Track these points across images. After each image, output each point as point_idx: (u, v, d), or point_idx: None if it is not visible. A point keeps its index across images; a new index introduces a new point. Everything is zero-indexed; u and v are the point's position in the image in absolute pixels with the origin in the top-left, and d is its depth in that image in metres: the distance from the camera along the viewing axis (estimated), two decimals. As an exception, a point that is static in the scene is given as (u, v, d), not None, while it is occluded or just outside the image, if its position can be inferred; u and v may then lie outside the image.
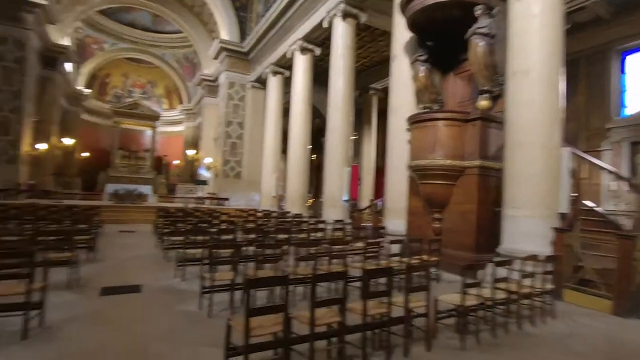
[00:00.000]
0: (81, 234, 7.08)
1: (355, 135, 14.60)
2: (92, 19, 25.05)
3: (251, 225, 10.00)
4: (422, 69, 7.03)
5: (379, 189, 22.16)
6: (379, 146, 22.12)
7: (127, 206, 14.69)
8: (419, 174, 6.41)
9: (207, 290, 4.05)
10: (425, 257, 5.20)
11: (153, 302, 4.47)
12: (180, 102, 31.68)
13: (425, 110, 6.75)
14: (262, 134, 19.48)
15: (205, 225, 8.48)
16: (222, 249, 4.34)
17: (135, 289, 4.93)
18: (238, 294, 4.26)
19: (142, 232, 11.40)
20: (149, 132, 30.05)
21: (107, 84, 30.89)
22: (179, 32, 28.18)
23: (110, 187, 15.85)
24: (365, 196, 18.18)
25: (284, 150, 17.99)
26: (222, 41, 18.05)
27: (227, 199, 18.46)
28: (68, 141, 20.21)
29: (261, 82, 18.96)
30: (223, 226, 7.98)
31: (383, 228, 7.10)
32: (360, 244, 5.37)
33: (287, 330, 2.37)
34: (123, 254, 7.59)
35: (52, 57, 18.48)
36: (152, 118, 27.87)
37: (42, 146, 15.94)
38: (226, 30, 18.49)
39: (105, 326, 3.60)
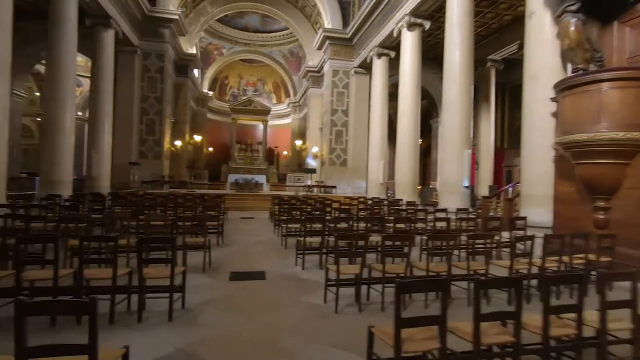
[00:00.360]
0: (211, 220, 7.75)
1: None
2: (212, 27, 27.79)
3: (363, 213, 9.75)
4: (573, 22, 5.62)
5: (499, 173, 19.79)
6: (498, 125, 19.70)
7: (246, 194, 15.94)
8: (574, 152, 5.14)
9: (332, 283, 3.83)
10: (591, 256, 4.12)
11: (278, 290, 4.48)
12: (287, 96, 33.24)
13: (581, 72, 5.38)
14: (366, 121, 19.08)
15: (318, 212, 8.50)
16: (343, 239, 4.05)
17: (260, 275, 5.05)
18: (364, 289, 3.96)
19: (260, 219, 12.14)
20: (261, 126, 32.38)
21: (226, 85, 34.18)
22: (285, 28, 29.45)
23: (231, 177, 17.45)
24: (484, 182, 16.33)
25: (390, 135, 17.33)
26: (325, 30, 18.06)
27: (334, 187, 18.63)
28: (197, 138, 22.82)
29: (365, 67, 18.47)
30: (336, 213, 7.84)
31: (522, 219, 6.00)
32: (502, 237, 4.54)
33: (444, 347, 1.91)
34: (246, 240, 8.07)
35: (183, 65, 21.06)
36: (264, 112, 29.81)
37: (178, 143, 18.32)
38: (329, 18, 18.43)
39: (237, 313, 3.67)
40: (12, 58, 14.96)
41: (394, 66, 16.09)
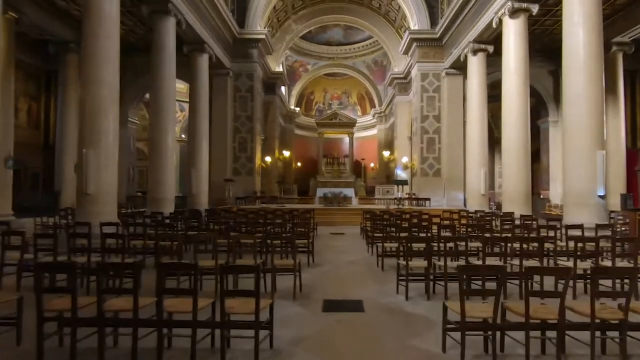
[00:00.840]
0: (301, 238, 7.37)
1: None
2: (297, 45, 28.72)
3: (469, 229, 8.45)
4: None
5: (632, 179, 16.15)
6: (628, 121, 16.22)
7: (335, 209, 15.51)
8: None
9: (453, 327, 2.93)
10: None
11: (379, 326, 3.72)
12: (372, 107, 32.56)
13: None
14: (461, 125, 17.35)
15: (416, 229, 7.53)
16: (468, 271, 3.12)
17: (357, 305, 4.34)
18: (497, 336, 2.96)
19: (351, 235, 11.50)
20: (347, 139, 32.17)
21: (312, 101, 34.95)
22: (368, 38, 29.08)
23: (320, 191, 17.27)
24: (614, 189, 13.35)
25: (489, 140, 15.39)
26: (411, 32, 17.04)
27: (427, 199, 17.18)
28: (286, 153, 23.40)
29: (457, 68, 16.86)
30: (438, 229, 6.77)
31: None
32: None
33: None
34: (337, 259, 7.47)
35: (271, 83, 21.91)
36: (350, 125, 29.55)
37: (268, 159, 18.90)
38: (415, 20, 17.38)
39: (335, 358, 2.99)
40: (126, 89, 17.14)
41: (492, 63, 14.35)
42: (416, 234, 7.09)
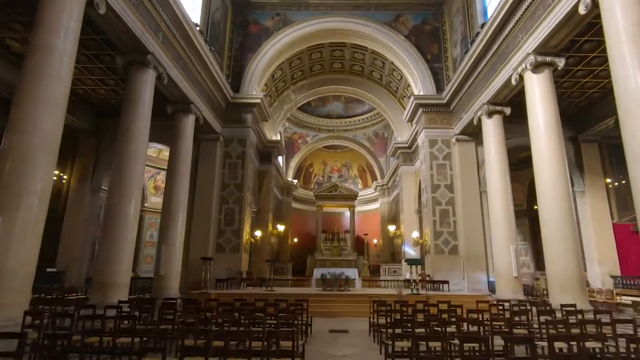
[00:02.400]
0: (286, 339, 4.92)
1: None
2: (296, 117, 28.28)
3: (520, 329, 5.91)
4: None
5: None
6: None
7: (335, 294, 12.73)
8: None
9: None
10: None
11: None
12: (374, 179, 31.15)
13: None
14: (477, 196, 15.46)
15: (445, 332, 5.02)
16: None
17: None
18: None
19: (357, 333, 8.73)
20: (347, 213, 30.17)
21: (311, 173, 33.68)
22: (368, 111, 28.82)
23: (317, 272, 14.63)
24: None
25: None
26: (416, 97, 16.01)
27: (445, 283, 14.46)
28: (281, 228, 21.09)
29: (469, 134, 15.52)
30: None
31: None
32: None
33: None
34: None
35: (267, 152, 20.55)
36: (351, 197, 27.73)
37: (258, 234, 16.57)
38: (420, 86, 16.54)
39: None
40: (102, 155, 15.58)
41: (508, 129, 12.92)
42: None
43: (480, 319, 6.91)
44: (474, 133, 15.47)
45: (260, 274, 16.27)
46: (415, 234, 17.51)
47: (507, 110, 12.75)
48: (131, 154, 9.08)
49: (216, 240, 14.47)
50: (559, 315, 7.71)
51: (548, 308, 7.79)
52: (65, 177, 13.93)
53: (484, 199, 15.62)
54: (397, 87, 20.51)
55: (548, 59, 9.83)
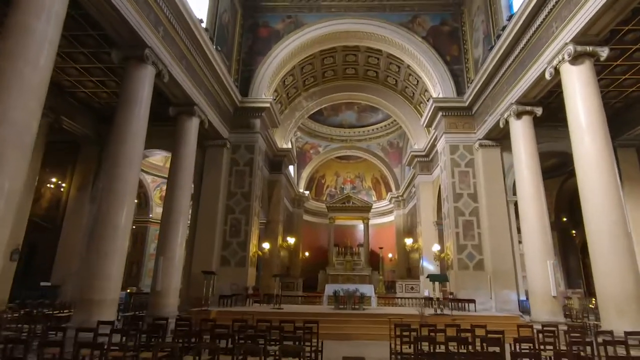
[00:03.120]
0: None
1: None
2: (308, 127, 27.50)
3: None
4: None
5: None
6: None
7: (349, 314, 11.49)
8: None
9: None
10: None
11: None
12: (389, 191, 29.92)
13: None
14: (504, 205, 14.20)
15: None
16: None
17: None
18: None
19: (375, 361, 7.51)
20: (361, 226, 28.96)
21: (323, 185, 32.66)
22: (382, 120, 27.87)
23: (329, 288, 13.43)
24: None
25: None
26: (436, 100, 14.96)
27: (472, 301, 13.08)
28: (291, 240, 20.02)
29: (493, 139, 14.35)
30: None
31: None
32: None
33: None
34: None
35: (277, 161, 19.70)
36: (365, 209, 26.55)
37: (266, 246, 15.52)
38: (439, 90, 15.51)
39: None
40: (101, 163, 14.91)
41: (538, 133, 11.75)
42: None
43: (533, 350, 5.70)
44: (498, 138, 14.30)
45: (268, 290, 15.15)
46: (436, 248, 16.19)
47: (538, 111, 11.59)
48: (124, 157, 8.24)
49: (221, 253, 13.48)
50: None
51: (609, 337, 6.44)
52: (64, 185, 13.25)
53: (511, 209, 14.37)
54: (413, 93, 19.52)
55: (589, 48, 8.72)
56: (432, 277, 12.33)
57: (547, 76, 9.73)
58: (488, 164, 14.45)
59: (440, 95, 15.29)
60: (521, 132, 11.73)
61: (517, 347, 5.93)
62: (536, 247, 10.95)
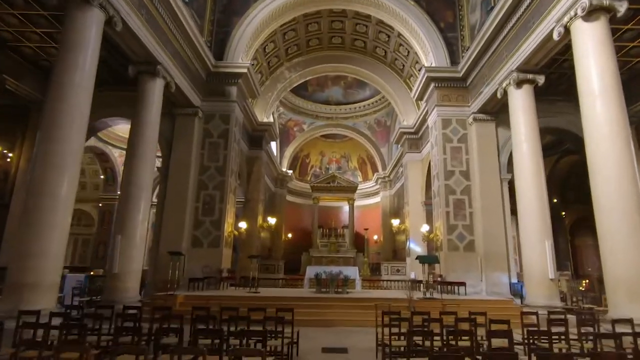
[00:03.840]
0: None
1: None
2: (291, 102, 26.08)
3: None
4: None
5: None
6: None
7: (331, 298, 10.55)
8: None
9: None
10: None
11: None
12: (375, 171, 29.00)
13: None
14: (498, 184, 13.38)
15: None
16: None
17: None
18: None
19: (360, 352, 6.58)
20: (346, 207, 28.06)
21: (307, 164, 31.46)
22: (370, 97, 26.62)
23: (310, 270, 12.43)
24: None
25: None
26: (428, 69, 13.82)
27: (462, 284, 12.34)
28: (272, 221, 18.93)
29: (489, 112, 13.40)
30: None
31: None
32: None
33: None
34: None
35: (257, 136, 18.41)
36: (350, 190, 25.57)
37: (243, 225, 14.38)
38: (431, 59, 14.34)
39: None
40: None
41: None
42: None
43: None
44: (494, 112, 13.36)
45: (246, 272, 14.09)
46: (425, 228, 15.36)
47: (540, 79, 10.60)
48: (65, 115, 6.87)
49: (192, 233, 12.29)
50: None
51: (628, 327, 5.61)
52: (10, 155, 11.70)
53: (504, 187, 13.58)
54: (404, 65, 18.32)
55: (606, 2, 7.67)
56: (422, 259, 11.47)
57: (555, 36, 8.67)
58: (482, 139, 13.53)
59: (433, 65, 14.14)
60: (521, 103, 10.76)
61: (527, 338, 5.05)
62: (534, 227, 10.16)
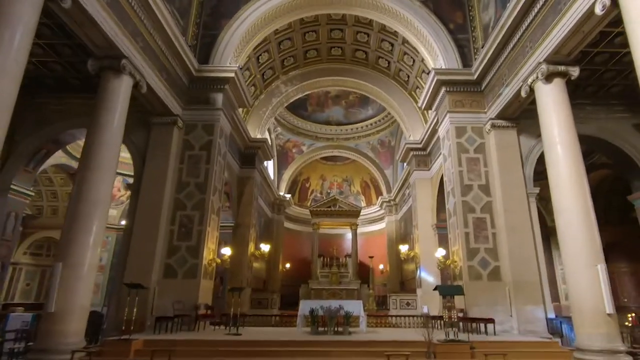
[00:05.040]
0: None
1: None
2: (290, 122, 24.77)
3: None
4: None
5: None
6: None
7: (331, 343, 8.39)
8: None
9: None
10: None
11: None
12: (380, 194, 27.16)
13: None
14: (524, 198, 11.51)
15: None
16: None
17: None
18: None
19: None
20: (348, 235, 26.00)
21: (307, 189, 29.72)
22: (372, 117, 25.26)
23: (305, 306, 10.24)
24: None
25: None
26: (438, 71, 12.31)
27: (490, 321, 10.16)
28: (265, 248, 16.92)
29: (509, 118, 11.76)
30: None
31: None
32: None
33: None
34: None
35: (250, 153, 16.84)
36: (353, 214, 23.62)
37: (227, 252, 12.39)
38: (441, 63, 12.89)
39: None
40: (19, 142, 11.81)
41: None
42: None
43: None
44: (514, 117, 11.73)
45: (235, 308, 11.94)
46: (442, 253, 13.28)
47: (574, 72, 8.97)
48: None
49: (165, 261, 10.33)
50: None
51: None
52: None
53: (532, 203, 11.68)
54: (408, 77, 16.95)
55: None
56: (443, 290, 9.36)
57: (598, 10, 7.09)
58: (503, 148, 11.78)
59: (443, 66, 12.67)
60: (552, 99, 9.06)
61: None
62: (580, 248, 8.15)
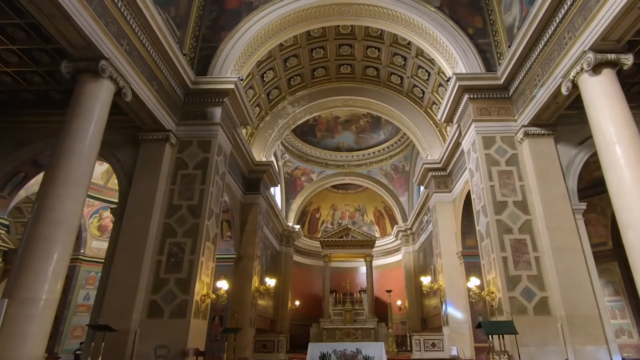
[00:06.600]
0: None
1: None
2: (299, 149, 23.69)
3: None
4: None
5: None
6: None
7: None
8: None
9: None
10: None
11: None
12: (395, 223, 25.38)
13: None
14: (570, 215, 9.79)
15: None
16: None
17: None
18: None
19: None
20: (363, 268, 24.01)
21: (318, 219, 28.12)
22: (385, 141, 24.05)
23: (314, 349, 8.45)
24: None
25: None
26: (460, 76, 11.07)
27: (543, 367, 8.16)
28: (271, 282, 15.18)
29: (542, 125, 10.31)
30: None
31: None
32: None
33: None
34: None
35: (254, 178, 15.55)
36: (367, 244, 21.76)
37: (224, 285, 10.73)
38: (461, 67, 11.71)
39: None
40: None
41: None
42: None
43: None
44: (549, 124, 10.30)
45: (238, 353, 10.13)
46: (475, 282, 11.37)
47: (627, 60, 7.58)
48: None
49: (150, 297, 8.76)
50: None
51: None
52: None
53: (579, 221, 9.94)
54: (423, 92, 15.83)
55: None
56: (488, 327, 7.48)
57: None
58: (539, 159, 10.23)
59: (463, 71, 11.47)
60: (601, 92, 7.65)
61: None
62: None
